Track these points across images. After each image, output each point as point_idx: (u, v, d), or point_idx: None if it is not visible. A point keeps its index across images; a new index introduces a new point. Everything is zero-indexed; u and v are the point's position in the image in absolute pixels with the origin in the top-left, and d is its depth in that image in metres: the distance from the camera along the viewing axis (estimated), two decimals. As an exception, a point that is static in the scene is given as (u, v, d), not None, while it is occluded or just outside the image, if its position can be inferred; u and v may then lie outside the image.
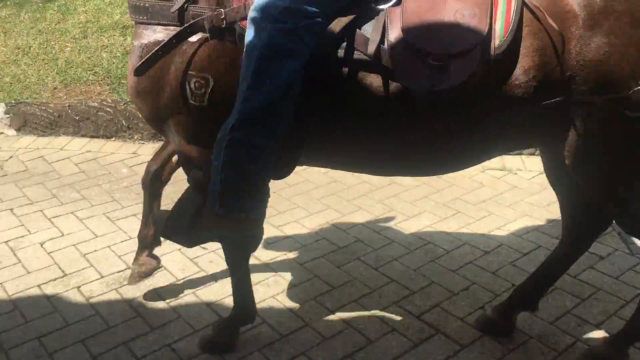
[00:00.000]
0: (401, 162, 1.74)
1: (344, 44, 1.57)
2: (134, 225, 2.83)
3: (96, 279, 2.45)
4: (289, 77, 1.54)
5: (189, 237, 1.74)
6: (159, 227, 1.80)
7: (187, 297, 2.34)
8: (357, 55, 1.57)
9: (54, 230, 2.81)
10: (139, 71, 1.68)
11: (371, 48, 1.54)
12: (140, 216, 2.87)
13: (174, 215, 1.74)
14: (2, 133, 3.92)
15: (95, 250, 2.65)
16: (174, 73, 1.67)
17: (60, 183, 3.26)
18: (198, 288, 2.38)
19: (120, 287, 2.40)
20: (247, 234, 1.71)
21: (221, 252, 2.61)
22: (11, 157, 3.59)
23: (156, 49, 1.66)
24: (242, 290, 1.99)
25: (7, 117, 3.91)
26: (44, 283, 2.43)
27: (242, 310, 2.01)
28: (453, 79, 1.49)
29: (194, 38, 1.64)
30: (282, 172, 1.76)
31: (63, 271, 2.50)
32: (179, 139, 1.78)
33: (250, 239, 1.78)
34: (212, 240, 1.80)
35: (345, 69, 1.58)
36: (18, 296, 2.34)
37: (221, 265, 2.50)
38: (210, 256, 2.58)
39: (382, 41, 1.55)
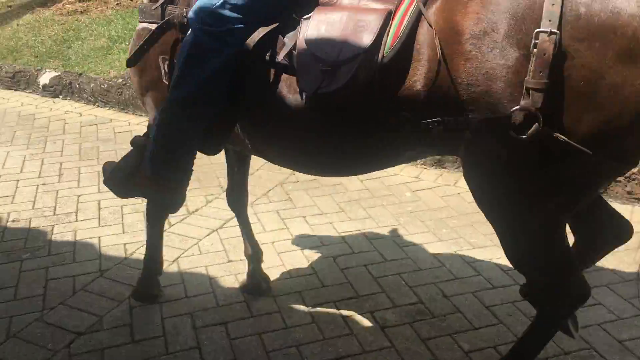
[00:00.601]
0: (312, 159, 1.88)
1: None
2: (423, 254, 2.75)
3: (389, 307, 2.39)
4: (212, 72, 1.77)
5: (123, 189, 2.10)
6: (105, 175, 2.11)
7: (487, 350, 2.15)
8: (278, 58, 1.74)
9: (345, 246, 2.84)
10: (129, 62, 2.06)
11: (283, 52, 1.71)
12: (430, 246, 2.82)
13: (116, 169, 2.08)
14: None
15: (386, 276, 2.60)
16: (153, 56, 2.00)
17: (348, 197, 3.32)
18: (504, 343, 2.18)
19: (414, 322, 2.31)
20: (168, 197, 2.03)
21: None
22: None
23: (141, 43, 2.00)
24: (153, 244, 2.39)
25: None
26: (338, 300, 2.44)
27: (152, 262, 2.41)
28: (336, 83, 1.61)
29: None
30: (210, 150, 2.03)
31: (356, 292, 2.49)
32: (153, 112, 2.09)
33: (171, 203, 2.07)
34: (140, 197, 2.14)
35: (268, 69, 1.76)
36: (315, 310, 2.38)
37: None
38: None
39: (293, 47, 1.70)
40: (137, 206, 3.22)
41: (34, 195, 3.36)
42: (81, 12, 6.26)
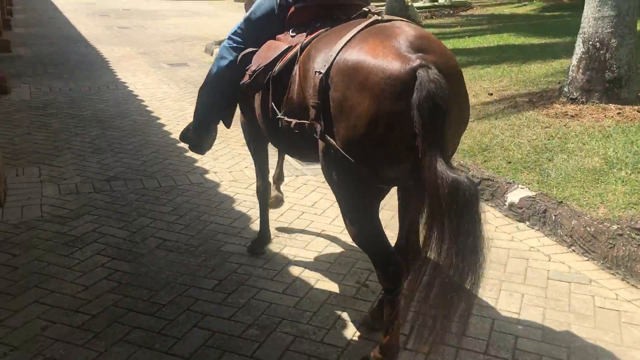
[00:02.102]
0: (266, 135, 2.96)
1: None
2: None
3: None
4: (222, 70, 3.08)
5: (185, 139, 3.47)
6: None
7: None
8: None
9: None
10: None
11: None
12: None
13: (187, 127, 3.46)
14: None
15: None
16: None
17: None
18: None
19: None
20: (199, 146, 3.44)
21: None
22: None
23: None
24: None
25: None
26: None
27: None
28: (248, 82, 2.78)
29: None
30: (226, 122, 3.30)
31: None
32: None
33: (200, 149, 3.47)
34: (189, 143, 3.47)
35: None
36: None
37: None
38: None
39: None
40: None
41: None
42: (572, 116, 5.23)
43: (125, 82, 8.19)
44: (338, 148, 2.17)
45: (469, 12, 19.07)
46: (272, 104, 2.60)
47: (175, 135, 5.79)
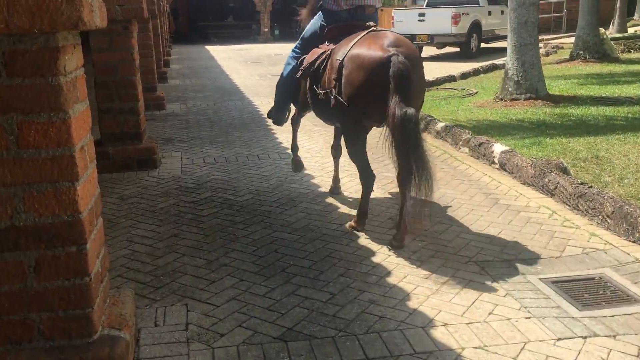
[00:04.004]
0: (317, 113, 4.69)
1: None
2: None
3: None
4: (289, 72, 4.89)
5: (270, 116, 5.35)
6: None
7: None
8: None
9: None
10: None
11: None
12: None
13: (271, 109, 5.35)
14: None
15: None
16: None
17: None
18: None
19: None
20: (278, 120, 5.24)
21: None
22: None
23: None
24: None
25: None
26: None
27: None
28: (299, 75, 4.71)
29: None
30: (295, 102, 5.01)
31: None
32: None
33: (278, 122, 5.26)
34: (272, 119, 5.30)
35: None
36: None
37: None
38: None
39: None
40: None
41: None
42: None
43: (287, 148, 6.79)
44: (343, 101, 4.00)
45: (674, 43, 15.94)
46: (314, 85, 4.42)
47: (364, 241, 4.14)
